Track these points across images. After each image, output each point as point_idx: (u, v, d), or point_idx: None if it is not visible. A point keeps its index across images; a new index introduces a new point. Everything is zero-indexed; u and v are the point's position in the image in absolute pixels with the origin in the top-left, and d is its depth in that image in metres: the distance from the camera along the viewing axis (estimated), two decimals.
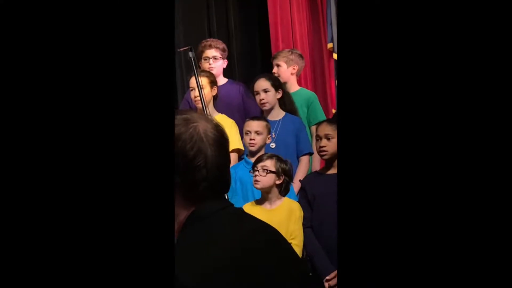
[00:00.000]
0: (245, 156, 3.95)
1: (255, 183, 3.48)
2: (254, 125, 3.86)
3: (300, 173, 3.96)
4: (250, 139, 3.84)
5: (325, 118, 4.28)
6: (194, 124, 1.41)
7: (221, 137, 1.44)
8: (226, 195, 3.39)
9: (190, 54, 3.81)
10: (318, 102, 4.52)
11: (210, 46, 4.48)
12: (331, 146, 3.55)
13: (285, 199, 3.52)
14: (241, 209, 1.51)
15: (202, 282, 1.26)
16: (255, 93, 4.18)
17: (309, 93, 4.59)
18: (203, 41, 4.62)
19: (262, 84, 4.16)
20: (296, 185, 3.77)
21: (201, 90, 3.58)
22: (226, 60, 4.58)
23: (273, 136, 3.99)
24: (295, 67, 4.53)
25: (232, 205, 1.46)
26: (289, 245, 1.46)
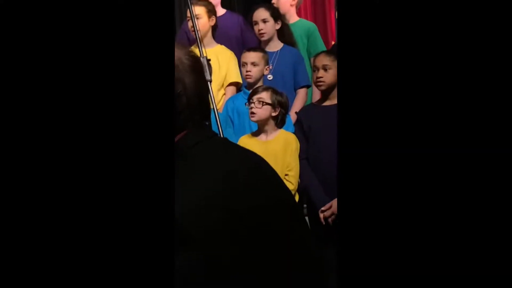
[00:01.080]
0: (243, 88, 3.94)
1: (251, 116, 3.48)
2: (251, 56, 3.83)
3: (297, 105, 3.95)
4: (247, 71, 3.82)
5: (325, 49, 4.24)
6: None
7: (196, 63, 1.42)
8: (215, 126, 3.40)
9: None
10: (318, 33, 4.48)
11: None
12: (328, 77, 3.53)
13: (281, 131, 3.53)
14: (225, 138, 1.51)
15: (190, 213, 1.27)
16: (253, 23, 4.14)
17: (309, 24, 4.56)
18: None
19: (261, 14, 4.11)
20: (293, 117, 3.77)
21: (194, 19, 3.52)
22: None
23: (271, 67, 3.96)
24: None
25: (216, 134, 1.46)
26: (274, 172, 1.46)
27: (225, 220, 1.28)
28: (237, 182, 1.34)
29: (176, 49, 1.39)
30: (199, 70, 1.43)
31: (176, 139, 1.37)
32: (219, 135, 1.47)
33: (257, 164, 1.44)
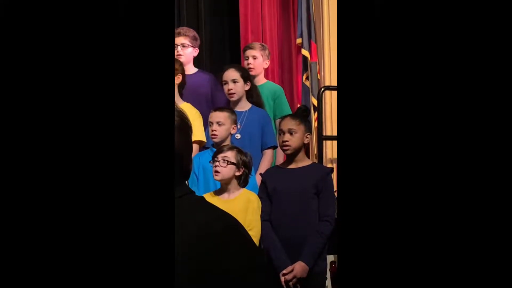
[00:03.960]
0: (211, 146, 3.95)
1: (215, 174, 3.50)
2: (217, 116, 3.87)
3: (263, 166, 3.98)
4: (212, 130, 3.85)
5: (290, 112, 4.31)
6: None
7: (183, 124, 1.43)
8: (186, 182, 3.39)
9: None
10: (285, 96, 4.57)
11: (179, 34, 4.46)
12: (293, 140, 3.57)
13: (244, 190, 3.55)
14: (201, 197, 1.50)
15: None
16: (223, 82, 4.18)
17: (276, 87, 4.64)
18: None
19: (232, 74, 4.16)
20: (258, 178, 3.78)
21: None
22: (197, 49, 4.55)
23: (239, 127, 3.99)
24: (267, 62, 4.59)
25: (193, 192, 1.46)
26: (247, 234, 1.46)
27: (197, 277, 1.28)
28: (211, 240, 1.34)
29: None
30: (185, 130, 1.43)
31: None
32: (194, 193, 1.47)
33: (229, 224, 1.44)
